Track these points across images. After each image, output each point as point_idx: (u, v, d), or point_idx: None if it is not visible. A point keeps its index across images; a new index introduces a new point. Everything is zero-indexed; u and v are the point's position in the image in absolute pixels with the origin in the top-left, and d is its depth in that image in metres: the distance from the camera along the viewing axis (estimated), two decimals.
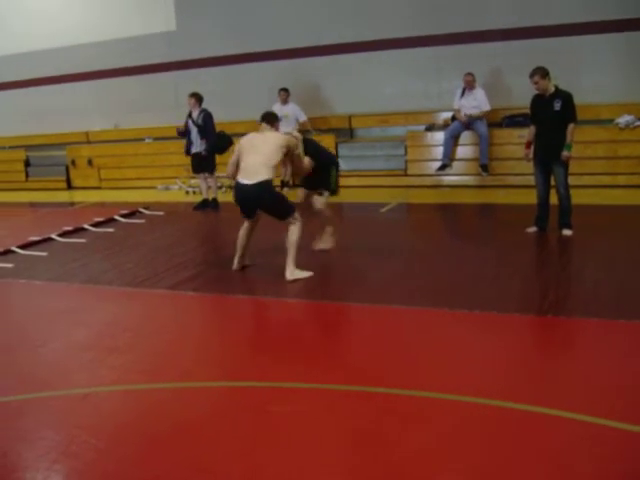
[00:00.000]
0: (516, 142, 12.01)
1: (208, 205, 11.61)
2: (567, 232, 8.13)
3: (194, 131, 11.47)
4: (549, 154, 8.12)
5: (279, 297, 6.34)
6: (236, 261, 7.34)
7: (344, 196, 12.32)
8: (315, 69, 13.86)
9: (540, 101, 8.18)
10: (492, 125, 12.25)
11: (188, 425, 3.92)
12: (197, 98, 11.44)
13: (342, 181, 13.12)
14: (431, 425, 3.76)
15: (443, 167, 12.31)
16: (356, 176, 13.01)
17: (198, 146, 11.48)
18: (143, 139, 15.37)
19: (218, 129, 11.52)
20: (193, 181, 13.67)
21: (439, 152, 12.37)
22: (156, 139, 15.22)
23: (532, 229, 8.41)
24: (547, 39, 12.01)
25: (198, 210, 11.54)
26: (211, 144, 11.32)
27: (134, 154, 15.22)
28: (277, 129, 7.39)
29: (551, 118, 8.02)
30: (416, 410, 3.96)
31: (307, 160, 7.39)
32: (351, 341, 5.35)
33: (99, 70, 15.70)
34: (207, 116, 11.40)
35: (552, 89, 8.02)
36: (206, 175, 11.65)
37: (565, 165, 8.07)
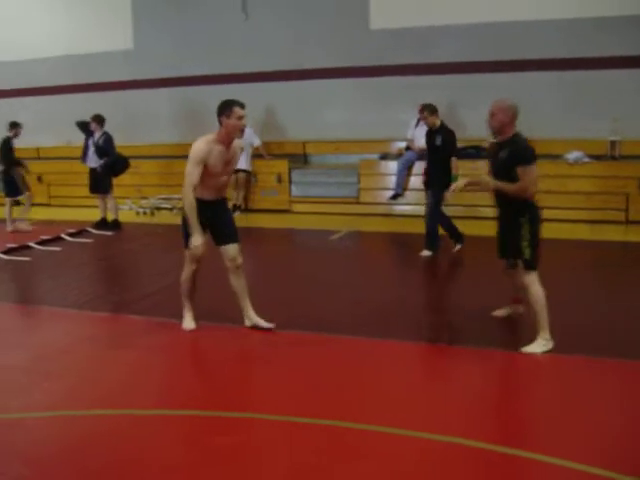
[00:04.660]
0: (468, 174, 12.17)
1: (107, 225, 11.66)
2: (425, 253, 8.94)
3: (91, 150, 11.75)
4: (429, 182, 9.04)
5: (232, 324, 6.17)
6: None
7: (295, 222, 12.35)
8: (271, 94, 13.84)
9: (428, 134, 9.00)
10: None
11: (124, 456, 3.79)
12: (98, 121, 11.63)
13: (294, 207, 13.19)
14: (372, 459, 3.71)
15: (395, 196, 12.36)
16: (308, 202, 13.01)
17: (94, 162, 11.74)
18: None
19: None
20: (144, 201, 13.50)
21: (392, 181, 12.43)
22: None
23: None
24: (499, 74, 12.21)
25: (98, 230, 11.50)
26: (107, 165, 11.59)
27: (85, 172, 14.96)
28: None
29: (431, 151, 8.91)
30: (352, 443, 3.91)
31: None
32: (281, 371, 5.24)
33: (52, 86, 15.47)
34: (108, 139, 11.63)
35: (438, 124, 8.82)
36: (102, 195, 11.85)
37: (437, 194, 8.70)
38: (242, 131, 5.45)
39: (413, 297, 7.14)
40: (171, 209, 13.41)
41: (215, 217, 5.72)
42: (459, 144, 12.49)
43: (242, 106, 5.42)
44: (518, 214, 5.23)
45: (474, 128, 12.38)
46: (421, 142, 12.06)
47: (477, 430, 4.01)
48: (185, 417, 4.30)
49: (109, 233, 11.20)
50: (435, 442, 3.86)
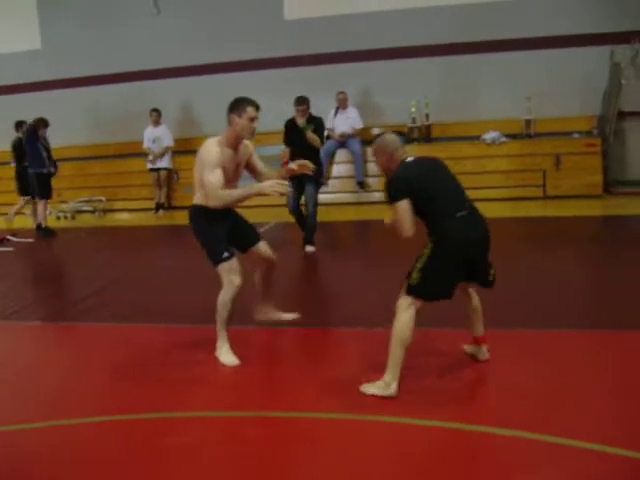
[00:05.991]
0: None
1: (50, 232, 11.30)
2: (310, 248, 8.87)
3: (44, 155, 11.26)
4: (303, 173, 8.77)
5: (153, 323, 6.11)
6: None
7: None
8: (187, 89, 13.71)
9: (295, 126, 8.93)
10: (365, 142, 12.48)
11: (65, 467, 3.70)
12: (44, 124, 11.23)
13: None
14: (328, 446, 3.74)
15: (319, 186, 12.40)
16: None
17: (47, 166, 11.29)
18: (9, 162, 14.69)
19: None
20: (64, 206, 13.21)
21: None
22: None
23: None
24: (414, 59, 12.41)
25: (46, 237, 11.13)
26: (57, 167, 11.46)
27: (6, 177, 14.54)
28: None
29: (305, 140, 8.74)
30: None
31: None
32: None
33: None
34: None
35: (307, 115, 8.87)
36: (45, 201, 11.45)
37: (316, 184, 8.88)
38: (252, 134, 4.88)
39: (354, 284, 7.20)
40: (93, 212, 13.19)
41: (233, 223, 5.20)
42: (378, 130, 12.73)
43: (257, 107, 4.85)
44: (428, 233, 4.36)
45: (392, 114, 12.59)
46: (341, 129, 12.21)
47: (419, 409, 4.07)
48: (128, 421, 4.23)
49: (30, 240, 10.87)
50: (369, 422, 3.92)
